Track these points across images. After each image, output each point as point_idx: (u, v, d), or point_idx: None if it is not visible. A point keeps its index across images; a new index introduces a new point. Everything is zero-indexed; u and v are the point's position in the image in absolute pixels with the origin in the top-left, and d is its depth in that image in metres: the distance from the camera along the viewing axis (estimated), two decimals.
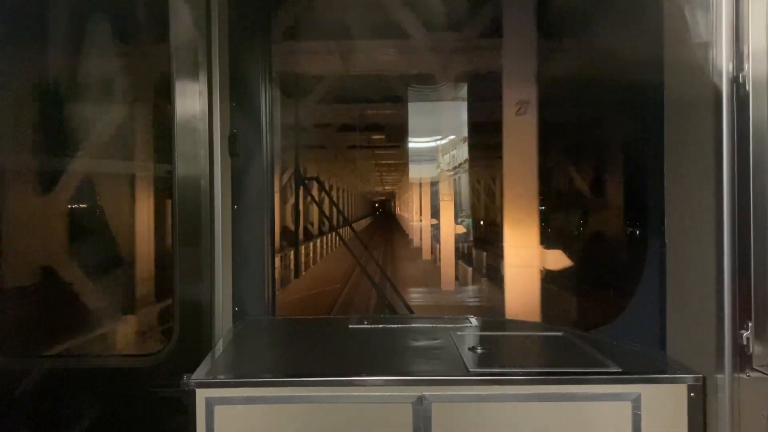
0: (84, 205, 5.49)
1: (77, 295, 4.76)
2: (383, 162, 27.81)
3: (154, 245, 5.46)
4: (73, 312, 4.78)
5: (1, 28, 3.20)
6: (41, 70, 3.98)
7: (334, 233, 22.11)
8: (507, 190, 6.38)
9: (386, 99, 12.37)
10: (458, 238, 16.82)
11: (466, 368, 2.42)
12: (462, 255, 16.52)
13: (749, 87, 2.10)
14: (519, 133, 6.24)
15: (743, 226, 2.14)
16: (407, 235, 31.23)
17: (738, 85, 2.14)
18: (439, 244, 16.51)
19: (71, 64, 4.17)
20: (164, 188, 5.11)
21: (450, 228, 15.81)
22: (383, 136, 18.23)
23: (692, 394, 2.30)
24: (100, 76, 4.44)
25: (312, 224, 21.95)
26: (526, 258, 6.26)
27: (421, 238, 22.86)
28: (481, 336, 3.06)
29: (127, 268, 5.17)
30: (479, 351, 2.67)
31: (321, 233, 22.57)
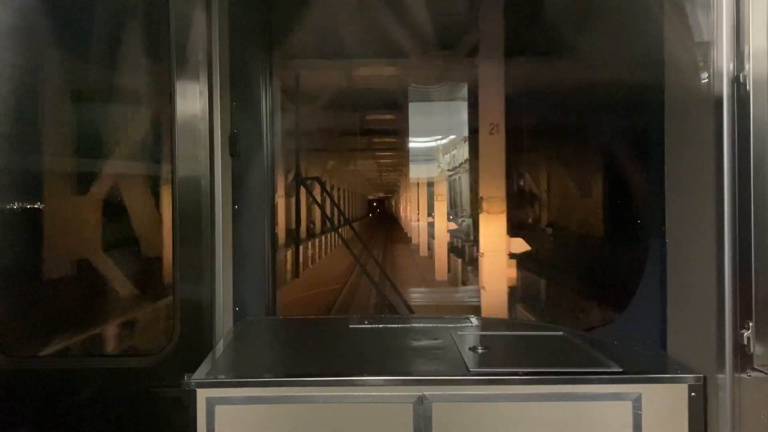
0: None
1: None
2: (382, 160, 27.48)
3: None
4: None
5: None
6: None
7: (334, 232, 22.08)
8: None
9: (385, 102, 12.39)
10: (460, 238, 16.91)
11: (467, 368, 2.42)
12: (464, 256, 16.43)
13: (750, 87, 2.10)
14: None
15: (744, 226, 2.14)
16: (406, 233, 30.76)
17: (738, 84, 2.14)
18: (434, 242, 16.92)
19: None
20: None
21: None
22: (384, 138, 18.23)
23: (693, 394, 2.30)
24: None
25: (313, 223, 21.88)
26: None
27: (419, 238, 23.07)
28: (481, 336, 3.06)
29: None
30: (480, 351, 2.67)
31: (323, 231, 22.53)
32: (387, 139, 18.33)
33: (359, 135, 16.92)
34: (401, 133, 15.45)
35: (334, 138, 17.12)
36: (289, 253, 13.23)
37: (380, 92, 11.23)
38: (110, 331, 4.77)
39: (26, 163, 3.76)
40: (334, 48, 7.85)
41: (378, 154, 23.54)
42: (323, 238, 22.77)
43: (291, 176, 11.30)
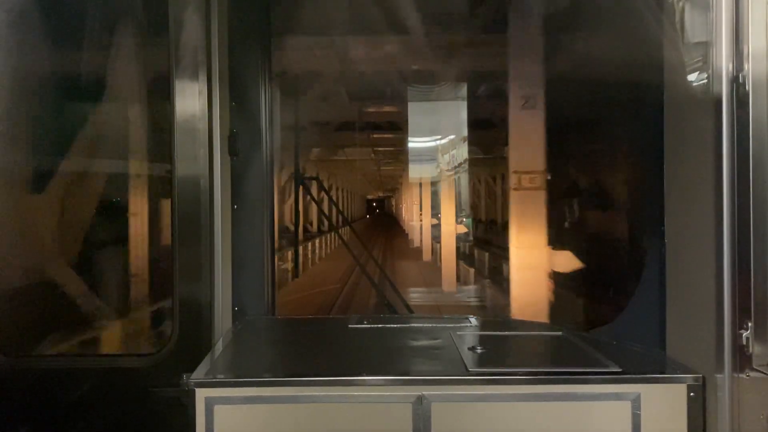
0: None
1: None
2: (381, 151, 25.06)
3: None
4: None
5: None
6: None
7: (333, 233, 21.64)
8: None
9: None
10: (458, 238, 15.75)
11: (466, 368, 2.42)
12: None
13: (749, 87, 2.10)
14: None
15: (743, 226, 2.14)
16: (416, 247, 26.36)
17: (738, 85, 2.14)
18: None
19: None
20: None
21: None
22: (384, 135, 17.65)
23: (692, 394, 2.30)
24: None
25: (304, 223, 21.12)
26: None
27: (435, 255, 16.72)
28: (480, 336, 3.06)
29: None
30: (479, 351, 2.67)
31: (306, 238, 22.00)
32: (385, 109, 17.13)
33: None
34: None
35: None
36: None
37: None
38: None
39: None
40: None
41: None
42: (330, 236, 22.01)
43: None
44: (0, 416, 2.95)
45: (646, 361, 2.63)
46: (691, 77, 2.39)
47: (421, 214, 20.03)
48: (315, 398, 2.31)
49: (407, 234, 26.64)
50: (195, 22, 2.96)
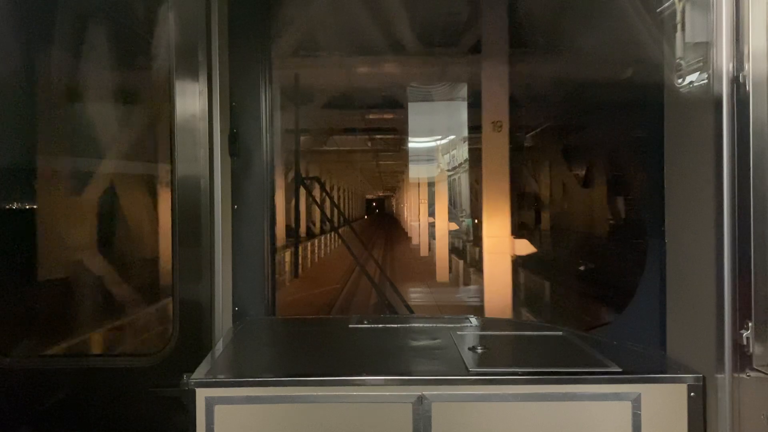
0: None
1: None
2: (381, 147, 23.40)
3: None
4: None
5: None
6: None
7: (324, 236, 21.23)
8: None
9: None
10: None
11: (466, 368, 2.42)
12: None
13: (749, 87, 2.10)
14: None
15: (743, 226, 2.14)
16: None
17: (738, 85, 2.14)
18: None
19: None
20: None
21: None
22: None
23: (692, 394, 2.30)
24: None
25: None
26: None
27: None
28: (481, 336, 3.06)
29: None
30: (479, 351, 2.67)
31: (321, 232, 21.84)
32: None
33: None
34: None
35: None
36: None
37: None
38: None
39: None
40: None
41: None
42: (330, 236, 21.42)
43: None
44: (1, 415, 2.95)
45: (646, 361, 2.63)
46: (691, 77, 2.39)
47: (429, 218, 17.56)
48: (315, 398, 2.31)
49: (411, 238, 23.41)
50: (195, 22, 2.96)
